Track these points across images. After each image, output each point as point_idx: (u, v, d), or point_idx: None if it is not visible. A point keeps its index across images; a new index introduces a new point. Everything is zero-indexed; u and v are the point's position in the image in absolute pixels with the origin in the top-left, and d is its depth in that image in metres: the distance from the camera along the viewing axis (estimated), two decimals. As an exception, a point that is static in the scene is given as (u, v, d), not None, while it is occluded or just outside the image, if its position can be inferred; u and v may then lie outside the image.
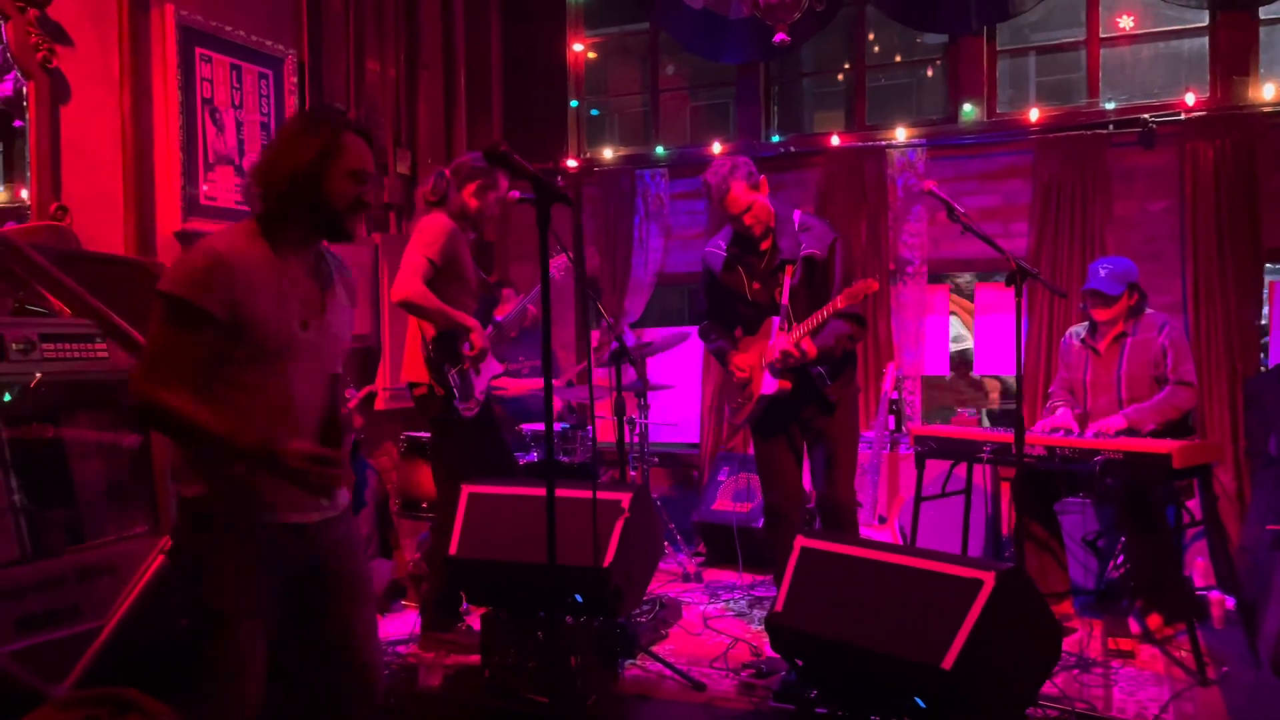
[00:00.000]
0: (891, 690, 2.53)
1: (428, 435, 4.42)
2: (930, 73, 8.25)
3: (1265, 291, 4.76)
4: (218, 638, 1.96)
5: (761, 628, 3.94)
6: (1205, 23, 4.98)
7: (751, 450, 3.92)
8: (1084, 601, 4.30)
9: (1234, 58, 4.82)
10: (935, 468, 4.27)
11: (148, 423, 1.96)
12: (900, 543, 4.44)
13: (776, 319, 3.52)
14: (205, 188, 4.33)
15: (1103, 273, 3.96)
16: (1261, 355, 4.78)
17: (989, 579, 2.39)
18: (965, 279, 5.92)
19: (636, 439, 5.02)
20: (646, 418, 5.11)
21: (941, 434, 4.18)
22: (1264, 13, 4.83)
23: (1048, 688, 3.09)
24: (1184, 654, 3.59)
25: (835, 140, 5.49)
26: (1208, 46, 4.98)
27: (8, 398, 2.83)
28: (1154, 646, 3.76)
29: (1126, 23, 5.65)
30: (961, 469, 4.28)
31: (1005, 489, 4.90)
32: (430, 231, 3.56)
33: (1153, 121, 4.89)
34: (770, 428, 3.66)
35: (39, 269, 2.97)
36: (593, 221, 6.00)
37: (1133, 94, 5.62)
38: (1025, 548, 3.72)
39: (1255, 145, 4.65)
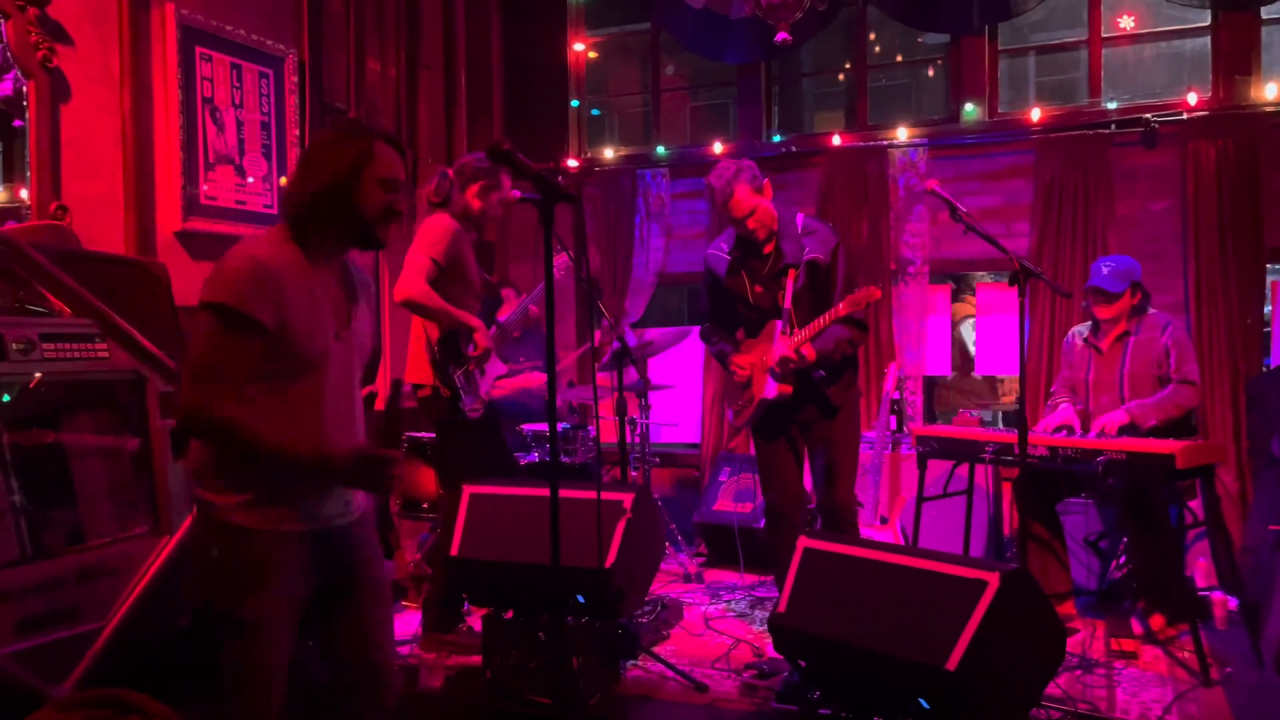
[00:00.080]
0: (895, 691, 2.52)
1: (429, 435, 4.41)
2: (931, 72, 8.25)
3: (1267, 291, 4.76)
4: (242, 647, 1.93)
5: (763, 628, 3.93)
6: (1207, 22, 4.98)
7: (753, 450, 3.92)
8: (1086, 602, 4.30)
9: (1236, 57, 4.82)
10: (937, 468, 4.27)
11: (201, 436, 1.93)
12: (902, 543, 4.43)
13: (778, 322, 3.52)
14: (205, 187, 4.31)
15: (1105, 270, 3.95)
16: (1264, 355, 4.77)
17: (994, 579, 2.39)
18: (982, 276, 5.90)
19: (638, 439, 5.02)
20: (648, 418, 5.10)
21: (943, 434, 4.17)
22: (1266, 12, 4.83)
23: (1051, 688, 3.08)
24: (1187, 655, 3.59)
25: (836, 140, 5.49)
26: (1209, 46, 4.99)
27: (8, 398, 2.82)
28: (1157, 647, 3.76)
29: (1128, 23, 5.65)
30: (963, 469, 4.28)
31: (1007, 489, 4.90)
32: (434, 232, 3.55)
33: (1154, 121, 4.88)
34: (771, 429, 3.65)
35: (39, 268, 2.95)
36: (593, 221, 5.99)
37: (1134, 94, 5.61)
38: (1027, 548, 3.72)
39: (1257, 145, 4.65)
